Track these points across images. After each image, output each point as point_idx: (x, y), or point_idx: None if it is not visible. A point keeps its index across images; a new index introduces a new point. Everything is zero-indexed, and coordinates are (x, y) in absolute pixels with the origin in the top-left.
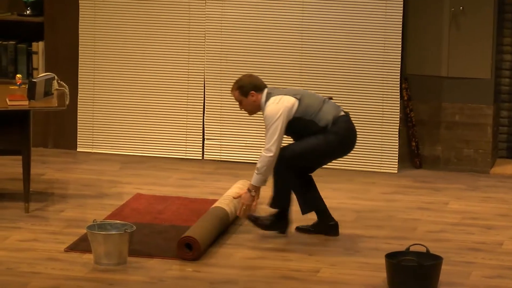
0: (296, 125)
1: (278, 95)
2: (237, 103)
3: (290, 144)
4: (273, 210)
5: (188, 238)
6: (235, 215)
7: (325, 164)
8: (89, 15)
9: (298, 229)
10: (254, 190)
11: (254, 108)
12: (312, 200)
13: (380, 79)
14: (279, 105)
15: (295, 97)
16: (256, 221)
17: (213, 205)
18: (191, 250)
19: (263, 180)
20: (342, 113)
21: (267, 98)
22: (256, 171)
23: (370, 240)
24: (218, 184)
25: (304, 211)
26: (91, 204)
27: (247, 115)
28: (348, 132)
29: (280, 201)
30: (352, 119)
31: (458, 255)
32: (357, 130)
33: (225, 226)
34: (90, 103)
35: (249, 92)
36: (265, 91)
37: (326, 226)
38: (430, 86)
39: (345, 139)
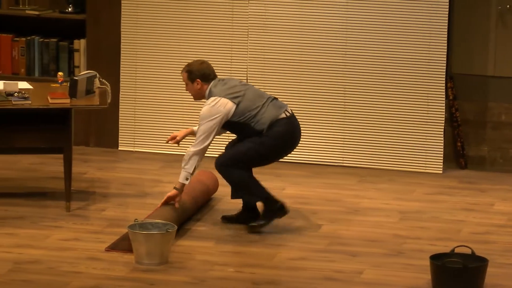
0: (233, 126)
1: (217, 95)
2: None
3: (225, 151)
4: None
5: None
6: (197, 206)
7: (266, 164)
8: (131, 12)
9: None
10: (179, 187)
11: (198, 95)
12: (259, 189)
13: (425, 78)
14: (214, 109)
15: (233, 101)
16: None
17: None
18: None
19: (185, 177)
20: (283, 115)
21: (210, 94)
22: (182, 166)
23: (415, 241)
24: None
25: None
26: (132, 203)
27: None
28: (284, 135)
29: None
30: (394, 118)
31: (504, 257)
32: (394, 129)
33: (184, 218)
34: (131, 101)
35: (195, 79)
36: (212, 83)
37: (275, 210)
38: (476, 85)
39: (280, 142)
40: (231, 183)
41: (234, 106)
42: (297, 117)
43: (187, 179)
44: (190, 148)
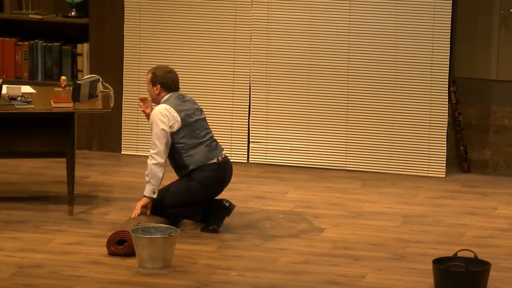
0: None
1: (170, 105)
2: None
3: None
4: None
5: (122, 233)
6: None
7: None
8: (134, 16)
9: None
10: (147, 200)
11: (154, 99)
12: (199, 212)
13: (428, 82)
14: (162, 112)
15: (180, 115)
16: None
17: None
18: (122, 245)
19: (151, 190)
20: (214, 160)
21: (164, 103)
22: (146, 180)
23: (417, 245)
24: (263, 187)
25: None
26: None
27: (293, 118)
28: (211, 180)
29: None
30: (397, 122)
31: (507, 261)
32: (397, 133)
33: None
34: (135, 105)
35: (156, 84)
36: (171, 93)
37: (223, 211)
38: (479, 89)
39: (206, 187)
40: (169, 219)
41: (180, 118)
42: (298, 122)
43: (154, 192)
44: (149, 160)
